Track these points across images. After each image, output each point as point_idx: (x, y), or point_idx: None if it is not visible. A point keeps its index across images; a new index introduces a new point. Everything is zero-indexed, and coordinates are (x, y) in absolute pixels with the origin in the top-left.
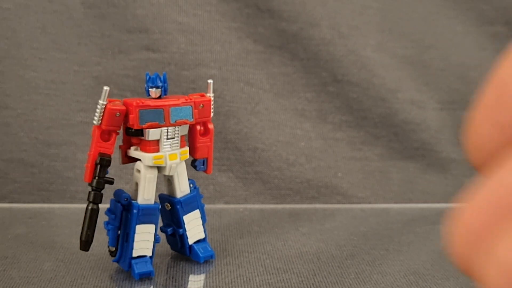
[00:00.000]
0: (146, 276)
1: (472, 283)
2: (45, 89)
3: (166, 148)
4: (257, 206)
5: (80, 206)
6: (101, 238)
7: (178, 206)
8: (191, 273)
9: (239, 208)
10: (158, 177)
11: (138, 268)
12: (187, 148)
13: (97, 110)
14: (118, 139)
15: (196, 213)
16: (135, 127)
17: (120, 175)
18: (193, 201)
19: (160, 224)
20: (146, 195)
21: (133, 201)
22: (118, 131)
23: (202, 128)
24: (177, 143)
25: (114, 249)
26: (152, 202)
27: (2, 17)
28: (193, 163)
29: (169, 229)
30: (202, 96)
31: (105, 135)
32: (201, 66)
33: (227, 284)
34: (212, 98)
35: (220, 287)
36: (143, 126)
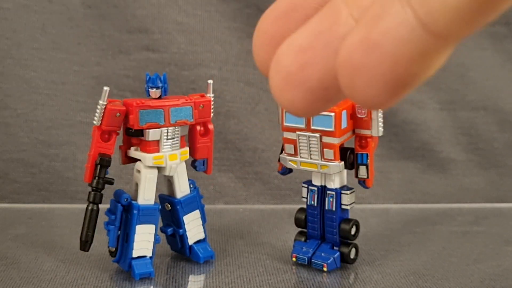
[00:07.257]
0: (146, 277)
1: (472, 284)
2: (45, 89)
3: (166, 148)
4: (257, 206)
5: (80, 206)
6: (101, 238)
7: (178, 207)
8: (191, 274)
9: (239, 209)
10: (158, 177)
11: (138, 269)
12: (187, 149)
13: (97, 111)
14: (118, 140)
15: (196, 213)
16: (135, 127)
17: (120, 175)
18: (193, 202)
19: (160, 224)
20: (146, 195)
21: (133, 202)
22: (118, 131)
23: (202, 128)
24: (177, 143)
25: (114, 249)
26: (152, 202)
27: (2, 17)
28: (193, 164)
29: (169, 230)
30: (202, 96)
31: (105, 135)
32: (201, 66)
33: (227, 285)
34: (212, 99)
35: None
36: (143, 126)
